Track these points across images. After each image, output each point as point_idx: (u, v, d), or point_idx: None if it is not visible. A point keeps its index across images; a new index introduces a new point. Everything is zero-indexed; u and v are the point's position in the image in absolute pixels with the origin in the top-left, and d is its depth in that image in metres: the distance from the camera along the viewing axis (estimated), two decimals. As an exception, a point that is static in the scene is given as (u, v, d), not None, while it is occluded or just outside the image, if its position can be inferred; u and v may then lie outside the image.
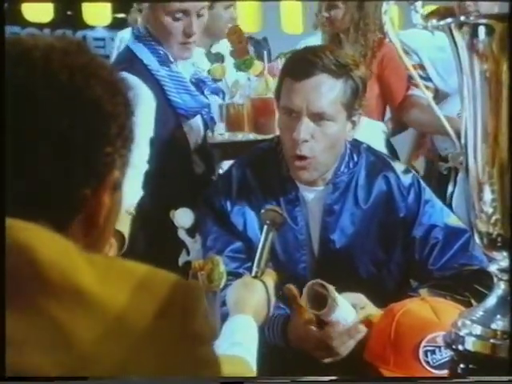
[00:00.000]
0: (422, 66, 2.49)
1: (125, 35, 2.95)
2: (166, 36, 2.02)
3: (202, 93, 2.20)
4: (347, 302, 1.42)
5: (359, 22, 2.62)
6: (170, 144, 2.07)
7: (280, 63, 2.25)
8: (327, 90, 1.54)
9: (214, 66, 2.37)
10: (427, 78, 2.48)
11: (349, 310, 1.42)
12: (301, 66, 1.55)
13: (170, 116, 2.06)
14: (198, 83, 2.20)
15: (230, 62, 2.42)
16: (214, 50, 2.54)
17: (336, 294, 1.38)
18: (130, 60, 2.02)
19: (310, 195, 1.65)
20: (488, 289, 1.06)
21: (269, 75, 2.27)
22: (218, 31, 2.73)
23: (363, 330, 1.41)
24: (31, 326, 0.64)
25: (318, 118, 1.54)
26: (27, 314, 0.64)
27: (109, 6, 4.62)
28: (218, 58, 2.46)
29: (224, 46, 2.63)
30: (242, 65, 2.30)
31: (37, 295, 0.65)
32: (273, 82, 2.18)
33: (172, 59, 2.07)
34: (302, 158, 1.56)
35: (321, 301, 1.38)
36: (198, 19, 2.03)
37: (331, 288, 1.38)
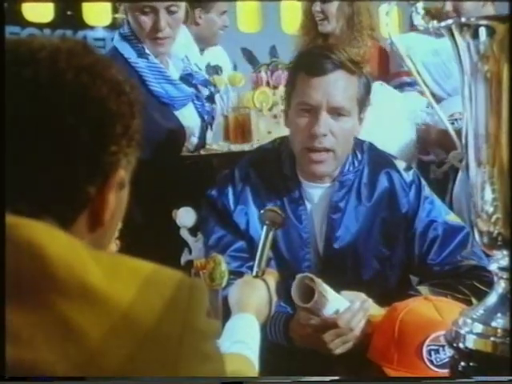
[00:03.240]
0: (416, 71, 2.49)
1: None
2: (140, 31, 2.11)
3: (191, 85, 2.25)
4: (342, 297, 1.42)
5: (352, 18, 2.63)
6: (162, 135, 2.11)
7: (265, 74, 2.31)
8: (345, 86, 1.57)
9: (216, 78, 2.42)
10: (422, 83, 2.49)
11: (342, 303, 1.41)
12: (318, 62, 1.58)
13: (155, 106, 2.10)
14: (187, 77, 2.26)
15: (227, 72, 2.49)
16: (212, 61, 2.57)
17: (326, 288, 1.38)
18: (113, 57, 2.08)
19: (316, 192, 1.66)
20: (488, 287, 1.07)
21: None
22: (210, 36, 2.82)
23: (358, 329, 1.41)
24: (39, 321, 0.65)
25: (336, 113, 1.57)
26: (35, 310, 0.65)
27: (109, 5, 4.62)
28: (217, 69, 2.50)
29: (219, 55, 2.69)
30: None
31: (44, 292, 0.66)
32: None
33: (149, 52, 2.13)
34: (320, 150, 1.58)
35: (310, 295, 1.38)
36: (171, 15, 2.09)
37: (319, 281, 1.38)
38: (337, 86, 1.56)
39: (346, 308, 1.40)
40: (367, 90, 1.61)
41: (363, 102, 1.61)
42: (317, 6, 2.67)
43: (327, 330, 1.39)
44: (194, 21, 2.74)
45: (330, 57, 1.56)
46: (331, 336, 1.40)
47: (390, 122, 2.24)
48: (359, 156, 1.68)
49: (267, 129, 2.34)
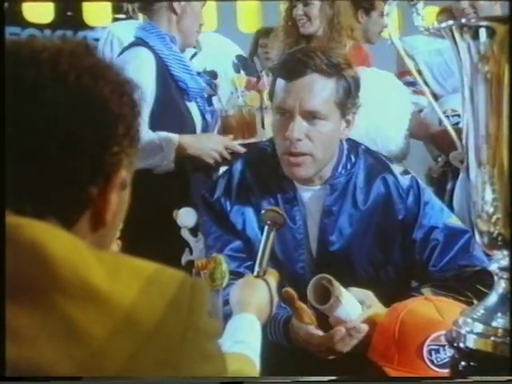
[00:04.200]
0: (418, 71, 2.50)
1: (112, 28, 3.03)
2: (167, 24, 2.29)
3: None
4: (354, 298, 1.42)
5: (333, 19, 2.63)
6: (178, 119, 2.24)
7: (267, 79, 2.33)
8: (319, 89, 1.55)
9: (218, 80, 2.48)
10: (424, 83, 2.49)
11: (354, 306, 1.42)
12: (292, 66, 1.57)
13: (173, 88, 2.25)
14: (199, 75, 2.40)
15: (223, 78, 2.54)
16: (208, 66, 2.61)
17: (342, 291, 1.39)
18: (137, 43, 2.26)
19: (307, 194, 1.65)
20: (490, 288, 1.07)
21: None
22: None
23: (364, 329, 1.41)
24: (41, 321, 0.65)
25: (311, 116, 1.56)
26: (37, 310, 0.66)
27: (109, 6, 4.62)
28: (213, 74, 2.53)
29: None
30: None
31: (47, 292, 0.66)
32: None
33: (171, 42, 2.28)
34: (297, 155, 1.57)
35: (325, 296, 1.38)
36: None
37: (337, 284, 1.38)
38: (310, 89, 1.54)
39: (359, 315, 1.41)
40: (347, 92, 1.58)
41: (344, 104, 1.58)
42: (299, 10, 2.66)
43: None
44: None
45: (304, 60, 1.55)
46: (341, 340, 1.41)
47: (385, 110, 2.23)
48: (353, 159, 1.66)
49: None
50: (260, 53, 3.62)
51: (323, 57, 1.55)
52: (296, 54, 1.61)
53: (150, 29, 2.28)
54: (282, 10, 2.74)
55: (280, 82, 1.58)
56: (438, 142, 2.32)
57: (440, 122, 2.19)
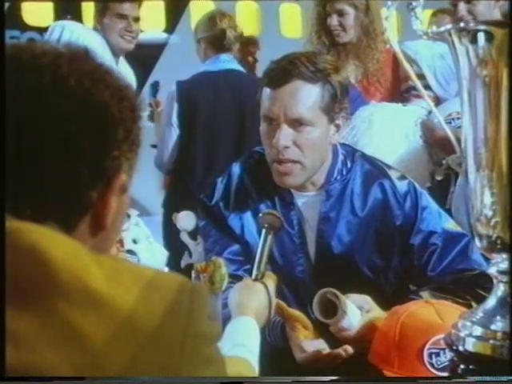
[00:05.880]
0: (421, 76, 2.50)
1: (66, 24, 2.94)
2: None
3: None
4: (354, 306, 1.43)
5: (368, 27, 2.63)
6: None
7: None
8: (303, 96, 1.54)
9: None
10: (427, 87, 2.50)
11: (355, 315, 1.42)
12: (276, 74, 1.56)
13: None
14: None
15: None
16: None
17: (347, 304, 1.39)
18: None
19: (302, 200, 1.65)
20: (488, 292, 1.07)
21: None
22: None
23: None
24: (41, 325, 0.66)
25: (297, 123, 1.55)
26: (37, 314, 0.66)
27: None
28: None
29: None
30: None
31: (47, 296, 0.66)
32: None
33: None
34: (285, 161, 1.57)
35: (330, 308, 1.38)
36: None
37: (343, 298, 1.38)
38: (294, 96, 1.53)
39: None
40: (333, 97, 1.56)
41: (331, 109, 1.57)
42: (334, 20, 2.66)
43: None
44: None
45: (289, 68, 1.54)
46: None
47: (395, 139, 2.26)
48: (349, 164, 1.66)
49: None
50: None
51: (308, 63, 1.54)
52: (281, 62, 1.59)
53: None
54: (309, 21, 2.75)
55: (265, 91, 1.58)
56: (443, 145, 2.32)
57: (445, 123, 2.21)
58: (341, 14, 2.63)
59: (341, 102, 1.59)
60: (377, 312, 1.45)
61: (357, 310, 1.43)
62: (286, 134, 1.54)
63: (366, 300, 1.46)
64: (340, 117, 1.60)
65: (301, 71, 1.53)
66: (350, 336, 1.41)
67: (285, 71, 1.55)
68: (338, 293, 1.39)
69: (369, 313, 1.45)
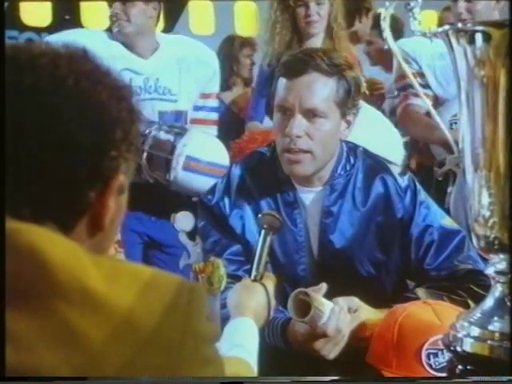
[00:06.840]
0: (421, 74, 2.51)
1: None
2: None
3: None
4: (330, 303, 1.42)
5: (335, 20, 2.64)
6: None
7: None
8: (319, 88, 1.57)
9: None
10: (426, 86, 2.50)
11: (341, 316, 1.42)
12: (293, 65, 1.59)
13: None
14: None
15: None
16: None
17: (322, 301, 1.39)
18: None
19: (309, 196, 1.66)
20: (485, 290, 1.07)
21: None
22: None
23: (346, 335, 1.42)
24: (40, 326, 0.66)
25: (311, 114, 1.57)
26: (36, 314, 0.66)
27: (107, 10, 4.62)
28: None
29: None
30: None
31: (45, 296, 0.66)
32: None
33: None
34: (296, 151, 1.59)
35: (306, 308, 1.38)
36: None
37: (314, 296, 1.38)
38: (310, 87, 1.56)
39: (330, 315, 1.41)
40: (347, 92, 1.59)
41: (344, 104, 1.60)
42: (312, 9, 2.67)
43: (317, 339, 1.41)
44: None
45: (305, 60, 1.57)
46: (321, 343, 1.41)
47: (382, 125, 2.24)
48: (352, 160, 1.68)
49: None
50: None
51: (324, 57, 1.57)
52: (298, 55, 1.63)
53: None
54: (275, 6, 2.71)
55: (281, 81, 1.60)
56: (445, 143, 2.32)
57: (450, 124, 2.21)
58: (318, 2, 2.64)
59: (354, 99, 1.61)
60: (366, 311, 1.46)
61: (331, 304, 1.42)
62: (299, 124, 1.56)
63: (353, 300, 1.47)
64: (352, 113, 1.63)
65: (317, 63, 1.56)
66: (336, 334, 1.41)
67: (302, 62, 1.57)
68: (309, 291, 1.39)
69: (357, 312, 1.46)
